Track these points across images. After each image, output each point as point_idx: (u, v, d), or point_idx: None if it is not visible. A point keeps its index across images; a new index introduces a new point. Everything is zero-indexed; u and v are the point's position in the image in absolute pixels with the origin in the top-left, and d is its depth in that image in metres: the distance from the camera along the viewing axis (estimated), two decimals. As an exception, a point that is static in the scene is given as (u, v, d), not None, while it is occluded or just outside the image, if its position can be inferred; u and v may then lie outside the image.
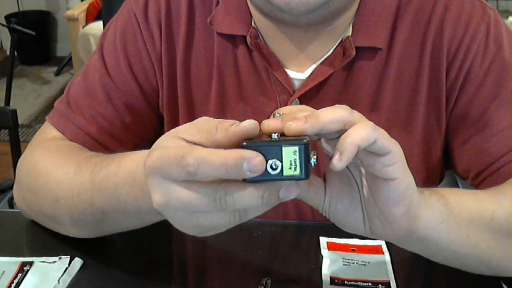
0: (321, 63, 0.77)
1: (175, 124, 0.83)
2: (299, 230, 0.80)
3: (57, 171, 0.71)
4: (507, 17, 2.49)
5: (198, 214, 0.49)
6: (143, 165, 0.49)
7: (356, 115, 0.50)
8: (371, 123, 0.49)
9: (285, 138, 0.47)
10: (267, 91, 0.79)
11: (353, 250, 0.73)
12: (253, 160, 0.45)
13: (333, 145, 0.50)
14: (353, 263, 0.70)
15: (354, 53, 0.76)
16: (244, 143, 0.46)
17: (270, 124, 0.49)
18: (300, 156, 0.46)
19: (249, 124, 0.47)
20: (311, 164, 0.46)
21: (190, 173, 0.46)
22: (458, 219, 0.60)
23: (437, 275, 0.70)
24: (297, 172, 0.46)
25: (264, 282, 0.65)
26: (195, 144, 0.48)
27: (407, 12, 0.77)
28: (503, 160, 0.75)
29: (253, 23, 0.78)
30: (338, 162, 0.47)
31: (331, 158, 0.49)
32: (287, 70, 0.78)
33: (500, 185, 0.71)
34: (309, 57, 0.78)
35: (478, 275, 0.66)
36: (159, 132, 0.86)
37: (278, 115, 0.51)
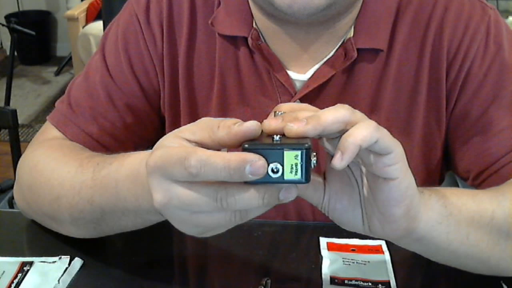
0: (322, 65, 0.77)
1: (176, 124, 0.83)
2: (299, 230, 0.80)
3: (59, 170, 0.71)
4: (507, 17, 2.49)
5: (199, 214, 0.49)
6: (146, 163, 0.49)
7: (358, 114, 0.49)
8: (374, 123, 0.49)
9: (287, 141, 0.47)
10: (268, 92, 0.79)
11: (353, 250, 0.73)
12: (255, 164, 0.45)
13: (334, 144, 0.50)
14: (353, 262, 0.70)
15: (356, 55, 0.76)
16: (246, 145, 0.46)
17: (271, 124, 0.48)
18: (301, 161, 0.45)
19: (251, 125, 0.47)
20: (311, 166, 0.46)
21: (192, 174, 0.46)
22: (457, 220, 0.60)
23: (437, 275, 0.70)
24: (298, 176, 0.46)
25: (264, 282, 0.65)
26: (197, 143, 0.48)
27: (407, 12, 0.77)
28: (503, 161, 0.75)
29: (254, 24, 0.78)
30: (339, 161, 0.47)
31: (331, 156, 0.49)
32: (288, 72, 0.78)
33: (500, 186, 0.71)
34: (310, 58, 0.78)
35: (478, 275, 0.66)
36: (160, 132, 0.86)
37: (279, 113, 0.51)
